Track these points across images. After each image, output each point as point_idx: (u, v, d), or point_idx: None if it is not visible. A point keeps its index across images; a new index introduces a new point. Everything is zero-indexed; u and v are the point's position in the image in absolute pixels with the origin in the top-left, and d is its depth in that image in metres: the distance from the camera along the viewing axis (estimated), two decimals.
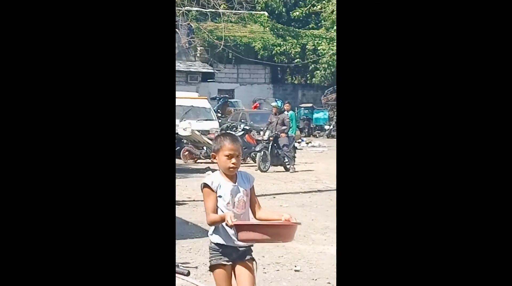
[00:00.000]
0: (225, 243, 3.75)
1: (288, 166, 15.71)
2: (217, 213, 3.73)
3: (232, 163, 3.73)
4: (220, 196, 3.74)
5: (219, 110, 27.48)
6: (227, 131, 5.81)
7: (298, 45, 36.23)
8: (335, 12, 31.71)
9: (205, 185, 3.76)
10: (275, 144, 15.63)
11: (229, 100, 31.21)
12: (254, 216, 3.91)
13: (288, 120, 16.22)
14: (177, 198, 10.39)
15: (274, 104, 17.06)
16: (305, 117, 31.29)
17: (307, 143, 24.84)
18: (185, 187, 11.68)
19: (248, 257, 3.83)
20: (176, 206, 9.82)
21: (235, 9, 24.75)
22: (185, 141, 18.02)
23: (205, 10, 23.59)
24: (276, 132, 15.76)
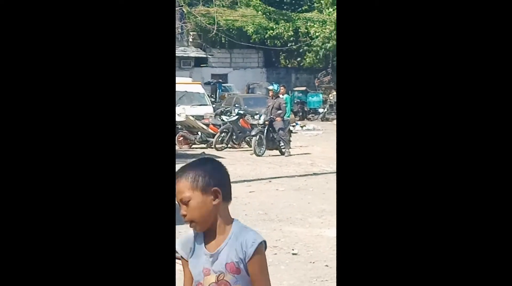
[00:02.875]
0: None
1: (283, 150, 15.71)
2: None
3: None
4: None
5: (212, 95, 27.50)
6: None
7: (291, 29, 36.12)
8: None
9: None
10: (270, 128, 15.62)
11: (222, 84, 31.22)
12: None
13: (284, 104, 16.20)
14: None
15: (271, 87, 17.04)
16: (299, 100, 31.25)
17: (301, 127, 24.83)
18: None
19: None
20: None
21: None
22: (179, 126, 18.01)
23: None
24: (271, 116, 15.74)
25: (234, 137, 16.87)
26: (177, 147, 16.93)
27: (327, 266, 6.02)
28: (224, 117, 18.12)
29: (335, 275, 6.52)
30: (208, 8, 30.62)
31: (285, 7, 38.71)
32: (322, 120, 28.69)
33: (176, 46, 33.44)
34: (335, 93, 31.31)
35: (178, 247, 2.29)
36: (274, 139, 15.68)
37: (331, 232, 7.42)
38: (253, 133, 15.93)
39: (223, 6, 33.24)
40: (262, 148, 15.53)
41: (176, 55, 33.02)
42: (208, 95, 24.00)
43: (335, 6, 31.43)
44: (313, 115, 30.48)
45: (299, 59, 38.44)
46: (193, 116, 18.01)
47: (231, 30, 34.41)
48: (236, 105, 21.60)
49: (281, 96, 16.98)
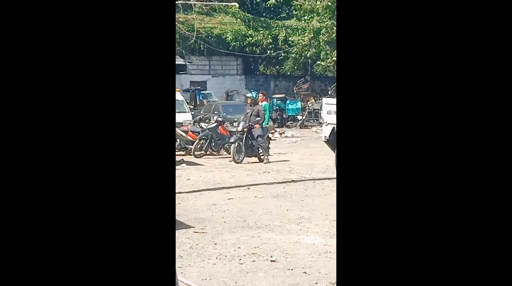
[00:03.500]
0: None
1: (262, 157, 15.72)
2: None
3: None
4: None
5: (191, 102, 27.43)
6: None
7: (269, 36, 36.19)
8: (306, 2, 31.75)
9: None
10: (249, 135, 15.62)
11: (201, 92, 31.20)
12: None
13: (263, 111, 16.23)
14: None
15: (249, 95, 17.07)
16: (278, 107, 31.26)
17: (280, 134, 24.86)
18: None
19: None
20: None
21: (206, 0, 24.64)
22: None
23: (176, 1, 23.49)
24: (250, 123, 15.76)
25: (213, 144, 16.85)
26: None
27: (305, 273, 6.03)
28: (203, 124, 18.09)
29: (313, 282, 6.52)
30: (187, 15, 30.57)
31: (264, 15, 38.77)
32: (301, 127, 28.72)
33: None
34: (313, 100, 31.41)
35: None
36: (253, 146, 15.69)
37: (310, 239, 7.44)
38: (232, 140, 15.92)
39: (201, 14, 33.23)
40: (241, 155, 15.53)
41: None
42: (187, 102, 23.94)
43: (313, 14, 31.59)
44: (292, 122, 30.50)
45: (278, 66, 38.50)
46: None
47: (210, 37, 34.40)
48: (215, 112, 21.57)
49: (260, 103, 17.00)
